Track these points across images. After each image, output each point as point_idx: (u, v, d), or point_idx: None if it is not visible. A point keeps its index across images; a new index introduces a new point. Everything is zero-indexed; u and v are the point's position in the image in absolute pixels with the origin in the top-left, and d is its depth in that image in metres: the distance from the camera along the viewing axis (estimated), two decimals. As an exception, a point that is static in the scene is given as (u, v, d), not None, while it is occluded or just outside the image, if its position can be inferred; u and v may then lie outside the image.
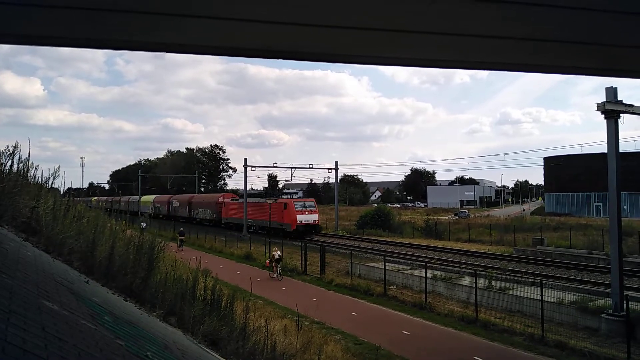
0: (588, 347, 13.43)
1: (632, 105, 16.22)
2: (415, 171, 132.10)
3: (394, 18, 3.18)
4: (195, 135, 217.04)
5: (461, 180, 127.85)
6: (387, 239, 42.25)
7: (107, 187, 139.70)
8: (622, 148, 16.63)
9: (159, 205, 78.29)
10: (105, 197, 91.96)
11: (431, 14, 3.11)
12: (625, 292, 15.35)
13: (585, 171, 64.15)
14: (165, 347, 3.79)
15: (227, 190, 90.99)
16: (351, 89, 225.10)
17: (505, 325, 15.60)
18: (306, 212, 43.72)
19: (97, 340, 2.62)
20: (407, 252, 32.96)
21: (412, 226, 49.98)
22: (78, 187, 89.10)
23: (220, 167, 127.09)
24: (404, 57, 4.18)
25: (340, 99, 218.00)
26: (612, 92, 16.18)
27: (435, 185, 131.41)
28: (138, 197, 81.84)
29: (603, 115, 16.30)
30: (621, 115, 16.12)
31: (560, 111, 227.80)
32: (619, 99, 16.17)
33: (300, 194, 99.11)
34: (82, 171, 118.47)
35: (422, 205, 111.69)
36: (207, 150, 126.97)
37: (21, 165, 6.42)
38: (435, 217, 56.42)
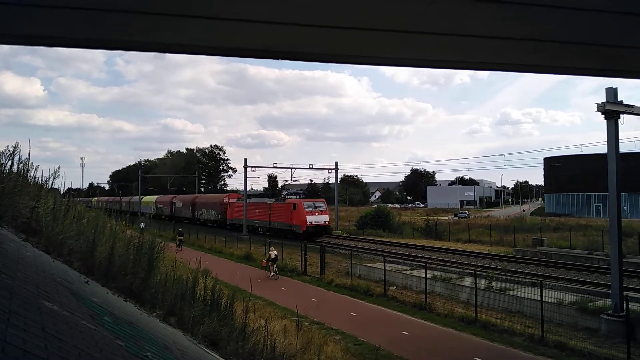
0: (588, 347, 13.42)
1: (632, 106, 16.22)
2: (415, 171, 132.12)
3: (394, 18, 3.18)
4: (195, 136, 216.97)
5: (461, 181, 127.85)
6: (387, 240, 42.24)
7: (107, 187, 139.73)
8: (622, 148, 16.64)
9: (161, 205, 76.64)
10: (106, 198, 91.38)
11: (431, 14, 3.12)
12: (625, 293, 15.35)
13: (585, 172, 64.14)
14: (165, 347, 3.78)
15: (232, 191, 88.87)
16: (351, 89, 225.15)
17: (505, 326, 15.59)
18: (316, 213, 41.63)
19: (97, 341, 2.62)
20: (407, 253, 32.94)
21: (412, 227, 49.97)
22: (78, 187, 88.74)
23: (220, 167, 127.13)
24: (404, 57, 4.18)
25: (340, 100, 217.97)
26: (612, 92, 16.18)
27: (435, 185, 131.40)
28: (140, 197, 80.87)
29: (603, 116, 16.29)
30: (621, 115, 16.12)
31: (560, 111, 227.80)
32: (619, 99, 16.17)
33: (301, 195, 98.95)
34: (82, 171, 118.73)
35: (422, 205, 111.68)
36: (207, 151, 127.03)
37: (21, 165, 6.42)
38: (435, 218, 56.42)
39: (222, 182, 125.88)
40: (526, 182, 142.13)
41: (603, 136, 16.47)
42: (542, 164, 79.48)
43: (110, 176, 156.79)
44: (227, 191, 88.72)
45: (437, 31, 3.39)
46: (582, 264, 26.67)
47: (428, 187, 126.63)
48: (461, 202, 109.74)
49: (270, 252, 26.17)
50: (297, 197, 46.94)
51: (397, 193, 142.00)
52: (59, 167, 7.40)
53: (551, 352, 13.54)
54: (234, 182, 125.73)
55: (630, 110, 16.14)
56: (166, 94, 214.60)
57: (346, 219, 56.37)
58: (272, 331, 8.10)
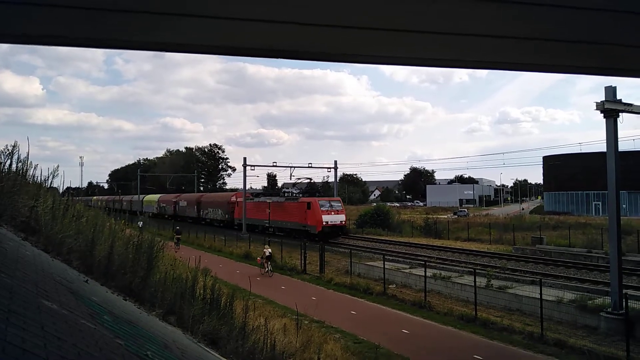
0: (587, 345, 13.44)
1: (631, 105, 16.22)
2: (414, 170, 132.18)
3: (394, 18, 3.18)
4: (194, 135, 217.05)
5: (460, 179, 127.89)
6: (387, 238, 42.27)
7: (106, 186, 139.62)
8: (621, 147, 16.64)
9: (164, 205, 74.36)
10: (106, 197, 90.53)
11: (431, 13, 3.12)
12: (624, 291, 15.37)
13: (584, 170, 64.19)
14: (164, 346, 3.78)
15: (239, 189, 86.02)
16: (350, 88, 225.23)
17: (504, 324, 15.62)
18: (332, 212, 39.20)
19: (97, 340, 2.62)
20: (407, 251, 32.99)
21: (412, 225, 49.99)
22: (77, 186, 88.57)
23: (220, 166, 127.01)
24: (405, 56, 4.18)
25: (339, 98, 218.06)
26: (611, 91, 16.18)
27: (435, 184, 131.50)
28: (142, 196, 79.37)
29: (602, 115, 16.29)
30: (620, 114, 16.12)
31: (559, 110, 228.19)
32: (618, 98, 16.17)
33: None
34: (81, 170, 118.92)
35: (421, 204, 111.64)
36: (206, 150, 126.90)
37: (20, 164, 6.41)
38: (434, 216, 56.46)
39: (222, 181, 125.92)
40: (525, 180, 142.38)
41: (602, 135, 16.49)
42: (542, 163, 79.74)
43: (110, 175, 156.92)
44: (232, 190, 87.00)
45: (438, 30, 3.39)
46: (582, 262, 26.72)
47: (427, 186, 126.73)
48: (460, 200, 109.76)
49: (264, 250, 26.73)
50: (306, 195, 44.18)
51: (397, 192, 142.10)
52: (58, 166, 7.39)
53: (550, 349, 13.57)
54: (233, 181, 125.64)
55: (630, 108, 16.14)
56: (165, 93, 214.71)
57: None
58: (271, 330, 8.11)
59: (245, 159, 51.33)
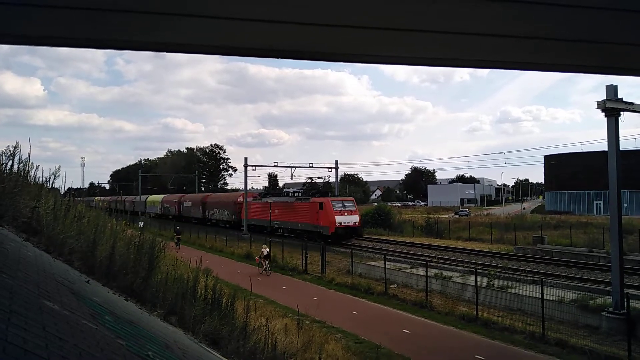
0: (589, 345, 13.43)
1: (632, 103, 16.20)
2: (415, 170, 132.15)
3: (394, 17, 3.18)
4: (195, 135, 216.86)
5: (461, 179, 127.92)
6: (388, 238, 42.23)
7: (107, 187, 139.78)
8: (623, 146, 16.63)
9: (168, 205, 72.75)
10: (109, 197, 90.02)
11: (431, 13, 3.12)
12: (625, 290, 15.33)
13: (586, 169, 64.14)
14: (166, 346, 3.79)
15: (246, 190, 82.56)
16: (351, 87, 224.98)
17: (505, 324, 15.61)
18: (345, 213, 37.50)
19: (98, 340, 2.63)
20: (408, 251, 32.98)
21: (413, 225, 49.96)
22: (78, 187, 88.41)
23: (221, 166, 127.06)
24: (405, 55, 4.18)
25: (340, 98, 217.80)
26: (612, 90, 16.16)
27: (436, 183, 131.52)
28: (145, 196, 78.29)
29: (603, 114, 16.27)
30: (621, 113, 16.11)
31: (560, 109, 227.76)
32: (619, 96, 16.15)
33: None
34: (83, 171, 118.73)
35: (422, 204, 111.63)
36: (207, 150, 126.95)
37: (21, 165, 6.42)
38: (435, 216, 56.43)
39: (223, 181, 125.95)
40: (526, 180, 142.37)
41: (603, 134, 16.48)
42: (543, 162, 79.65)
43: (111, 176, 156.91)
44: (235, 190, 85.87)
45: (438, 30, 3.39)
46: (583, 262, 26.69)
47: (428, 186, 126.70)
48: (461, 200, 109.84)
49: (262, 249, 27.15)
50: (317, 195, 42.53)
51: (398, 191, 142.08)
52: (59, 167, 7.41)
53: (552, 349, 13.56)
54: (234, 182, 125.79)
55: (631, 107, 16.12)
56: (166, 93, 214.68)
57: (347, 218, 56.25)
58: (273, 330, 8.11)
59: (246, 159, 51.35)
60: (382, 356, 12.71)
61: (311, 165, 52.24)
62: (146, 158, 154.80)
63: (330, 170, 52.12)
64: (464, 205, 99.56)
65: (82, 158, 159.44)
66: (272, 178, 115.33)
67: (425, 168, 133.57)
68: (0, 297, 2.28)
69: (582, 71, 5.10)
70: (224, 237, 39.93)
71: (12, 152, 6.25)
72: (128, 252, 6.27)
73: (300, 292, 20.94)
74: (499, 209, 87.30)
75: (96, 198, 77.10)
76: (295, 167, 52.38)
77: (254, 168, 53.17)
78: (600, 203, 64.93)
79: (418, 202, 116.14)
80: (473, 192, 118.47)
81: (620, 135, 16.17)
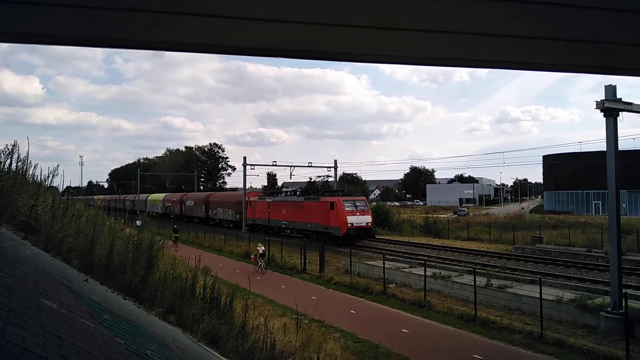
0: (587, 344, 13.45)
1: (631, 104, 16.22)
2: (414, 169, 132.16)
3: (394, 17, 3.18)
4: (194, 134, 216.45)
5: (460, 179, 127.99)
6: (386, 237, 42.25)
7: (106, 185, 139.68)
8: (621, 146, 16.63)
9: (169, 204, 70.64)
10: (108, 196, 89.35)
11: (432, 13, 3.12)
12: (624, 290, 15.37)
13: (584, 169, 64.20)
14: (164, 345, 3.79)
15: (242, 189, 79.11)
16: (350, 87, 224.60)
17: (504, 323, 15.62)
18: (357, 213, 35.99)
19: (96, 339, 2.62)
20: (406, 251, 33.00)
21: (412, 224, 50.01)
22: (77, 185, 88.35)
23: (220, 165, 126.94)
24: (405, 55, 4.18)
25: (339, 97, 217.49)
26: (611, 90, 16.17)
27: (435, 183, 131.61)
28: (145, 195, 77.24)
29: (602, 114, 16.28)
30: (620, 113, 16.12)
31: (559, 109, 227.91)
32: (618, 97, 16.17)
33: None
34: (81, 170, 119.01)
35: (421, 203, 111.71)
36: (206, 149, 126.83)
37: (20, 163, 6.42)
38: (434, 216, 56.47)
39: (222, 180, 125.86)
40: (525, 179, 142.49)
41: (602, 134, 16.48)
42: (542, 162, 79.74)
43: (109, 174, 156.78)
44: (234, 189, 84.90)
45: (438, 30, 3.39)
46: (581, 262, 26.73)
47: (427, 185, 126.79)
48: (460, 199, 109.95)
49: (258, 248, 27.48)
50: (327, 194, 40.92)
51: (397, 191, 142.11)
52: (58, 166, 7.40)
53: (550, 349, 13.57)
54: (233, 181, 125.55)
55: (630, 107, 16.14)
56: (165, 92, 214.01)
57: (345, 217, 56.19)
58: (271, 329, 8.12)
59: (245, 158, 51.28)
60: (381, 355, 12.72)
61: (310, 164, 52.25)
62: (145, 157, 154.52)
63: (329, 169, 52.06)
64: (463, 204, 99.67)
65: (80, 157, 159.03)
66: (271, 177, 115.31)
67: (424, 168, 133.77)
68: (-2, 295, 2.28)
69: (581, 71, 5.10)
70: (223, 237, 39.90)
71: (10, 150, 6.24)
72: (126, 251, 6.27)
73: (299, 292, 20.94)
74: (497, 208, 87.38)
75: (96, 197, 76.44)
76: (294, 166, 52.36)
77: (252, 167, 53.03)
78: (598, 203, 65.03)
79: (417, 202, 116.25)
80: (472, 191, 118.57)
81: (619, 135, 16.20)
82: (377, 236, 42.37)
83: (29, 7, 2.99)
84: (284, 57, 4.16)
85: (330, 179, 49.51)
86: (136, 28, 3.45)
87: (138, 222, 12.56)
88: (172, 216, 64.75)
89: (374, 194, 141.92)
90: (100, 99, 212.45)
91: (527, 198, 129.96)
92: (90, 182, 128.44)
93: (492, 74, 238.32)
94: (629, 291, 16.17)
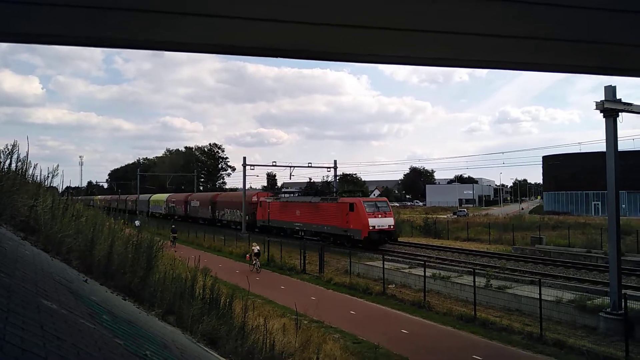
0: (586, 345, 13.45)
1: (631, 104, 16.22)
2: (414, 170, 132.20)
3: (394, 17, 3.18)
4: (194, 134, 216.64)
5: (460, 179, 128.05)
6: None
7: (105, 186, 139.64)
8: (621, 147, 16.64)
9: (173, 205, 68.37)
10: (109, 196, 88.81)
11: (432, 13, 3.12)
12: (623, 291, 15.37)
13: (584, 170, 64.24)
14: (164, 346, 3.78)
15: (239, 189, 72.25)
16: (350, 87, 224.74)
17: (503, 324, 15.62)
18: (379, 215, 33.74)
19: (96, 339, 2.62)
20: (406, 251, 32.99)
21: (411, 225, 49.97)
22: (77, 185, 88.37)
23: (219, 166, 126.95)
24: (405, 55, 4.18)
25: (339, 98, 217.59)
26: (611, 90, 16.18)
27: (434, 184, 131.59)
28: (148, 195, 76.46)
29: (602, 114, 16.29)
30: (620, 113, 16.12)
31: (559, 110, 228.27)
32: (617, 97, 16.17)
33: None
34: (81, 170, 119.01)
35: (420, 204, 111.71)
36: (206, 149, 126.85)
37: (19, 164, 6.41)
38: (434, 216, 56.47)
39: (221, 180, 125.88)
40: (525, 180, 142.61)
41: (602, 134, 16.49)
42: (541, 162, 79.81)
43: (109, 175, 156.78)
44: (227, 189, 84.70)
45: (438, 30, 3.39)
46: (581, 262, 26.74)
47: (427, 186, 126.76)
48: (460, 200, 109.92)
49: (253, 247, 27.76)
50: (345, 194, 38.98)
51: (396, 191, 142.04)
52: (58, 166, 7.41)
53: (550, 350, 13.57)
54: (232, 181, 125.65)
55: (629, 108, 16.14)
56: (165, 92, 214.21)
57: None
58: (271, 330, 8.11)
59: (245, 158, 51.22)
60: (381, 356, 12.71)
61: (310, 165, 52.24)
62: (145, 157, 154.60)
63: (329, 170, 52.07)
64: (463, 205, 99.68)
65: (80, 157, 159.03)
66: (271, 178, 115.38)
67: (423, 168, 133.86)
68: (-2, 296, 2.28)
69: (581, 72, 5.10)
70: (222, 237, 39.87)
71: (10, 150, 6.24)
72: (126, 252, 6.27)
73: (298, 292, 20.93)
74: (497, 209, 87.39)
75: (96, 197, 75.98)
76: (294, 166, 52.29)
77: (252, 167, 52.95)
78: (598, 204, 65.08)
79: (416, 202, 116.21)
80: (471, 192, 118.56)
81: (618, 136, 16.21)
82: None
83: (29, 7, 2.99)
84: (284, 57, 4.17)
85: (330, 179, 49.30)
86: (136, 28, 3.45)
87: (137, 222, 12.56)
88: (176, 217, 63.95)
89: (374, 195, 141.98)
90: (100, 99, 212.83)
91: (527, 199, 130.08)
92: (90, 183, 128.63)
93: (491, 74, 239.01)
94: (629, 292, 16.19)
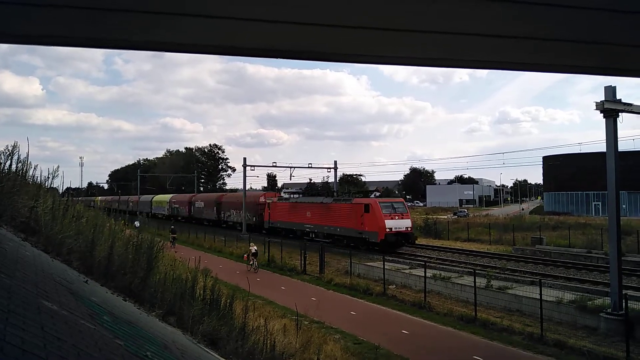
0: (587, 346, 13.44)
1: (631, 104, 16.22)
2: (414, 170, 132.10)
3: (394, 18, 3.18)
4: (194, 135, 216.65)
5: (460, 180, 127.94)
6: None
7: (106, 186, 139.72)
8: (621, 147, 16.64)
9: (177, 205, 67.39)
10: (110, 197, 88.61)
11: (431, 13, 3.12)
12: (624, 291, 15.37)
13: (584, 170, 64.20)
14: (164, 346, 3.78)
15: (237, 189, 72.73)
16: (350, 88, 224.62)
17: (504, 325, 15.61)
18: (396, 217, 32.35)
19: (96, 340, 2.62)
20: (406, 252, 32.98)
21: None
22: (77, 186, 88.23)
23: (220, 166, 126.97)
24: (405, 56, 4.18)
25: (339, 98, 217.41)
26: (611, 91, 16.18)
27: (434, 184, 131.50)
28: (150, 196, 75.98)
29: (602, 114, 16.29)
30: (620, 114, 16.12)
31: (559, 110, 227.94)
32: (617, 97, 16.17)
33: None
34: (81, 171, 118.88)
35: (421, 204, 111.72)
36: (206, 150, 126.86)
37: (20, 165, 6.41)
38: (434, 217, 56.40)
39: (222, 181, 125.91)
40: (525, 180, 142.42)
41: (602, 135, 16.49)
42: (541, 163, 79.75)
43: (109, 175, 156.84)
44: (227, 189, 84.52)
45: (438, 30, 3.39)
46: (581, 263, 26.74)
47: (427, 186, 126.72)
48: (460, 200, 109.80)
49: (250, 247, 28.04)
50: (359, 195, 37.77)
51: (396, 192, 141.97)
52: (58, 167, 7.42)
53: (550, 350, 13.57)
54: (232, 182, 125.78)
55: (629, 108, 16.14)
56: (165, 93, 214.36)
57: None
58: (271, 330, 8.11)
59: (245, 159, 51.22)
60: (381, 357, 12.72)
61: (310, 165, 52.27)
62: (145, 158, 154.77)
63: (329, 170, 52.09)
64: (463, 205, 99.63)
65: (80, 158, 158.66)
66: (271, 178, 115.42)
67: (424, 168, 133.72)
68: (-2, 296, 2.28)
69: (581, 72, 5.11)
70: (223, 238, 39.88)
71: (10, 151, 6.24)
72: (126, 252, 6.27)
73: (299, 293, 20.93)
74: (497, 209, 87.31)
75: (97, 198, 75.81)
76: (294, 167, 52.31)
77: (252, 168, 53.02)
78: (598, 204, 65.01)
79: (417, 203, 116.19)
80: (472, 192, 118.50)
81: (618, 136, 16.20)
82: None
83: (29, 8, 2.99)
84: (284, 58, 4.17)
85: (331, 179, 49.27)
86: (136, 29, 3.45)
87: (136, 223, 12.55)
88: (179, 218, 62.98)
89: (374, 195, 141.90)
90: (100, 100, 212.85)
91: (527, 199, 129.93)
92: (90, 183, 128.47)
93: (491, 74, 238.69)
94: (629, 292, 16.18)
